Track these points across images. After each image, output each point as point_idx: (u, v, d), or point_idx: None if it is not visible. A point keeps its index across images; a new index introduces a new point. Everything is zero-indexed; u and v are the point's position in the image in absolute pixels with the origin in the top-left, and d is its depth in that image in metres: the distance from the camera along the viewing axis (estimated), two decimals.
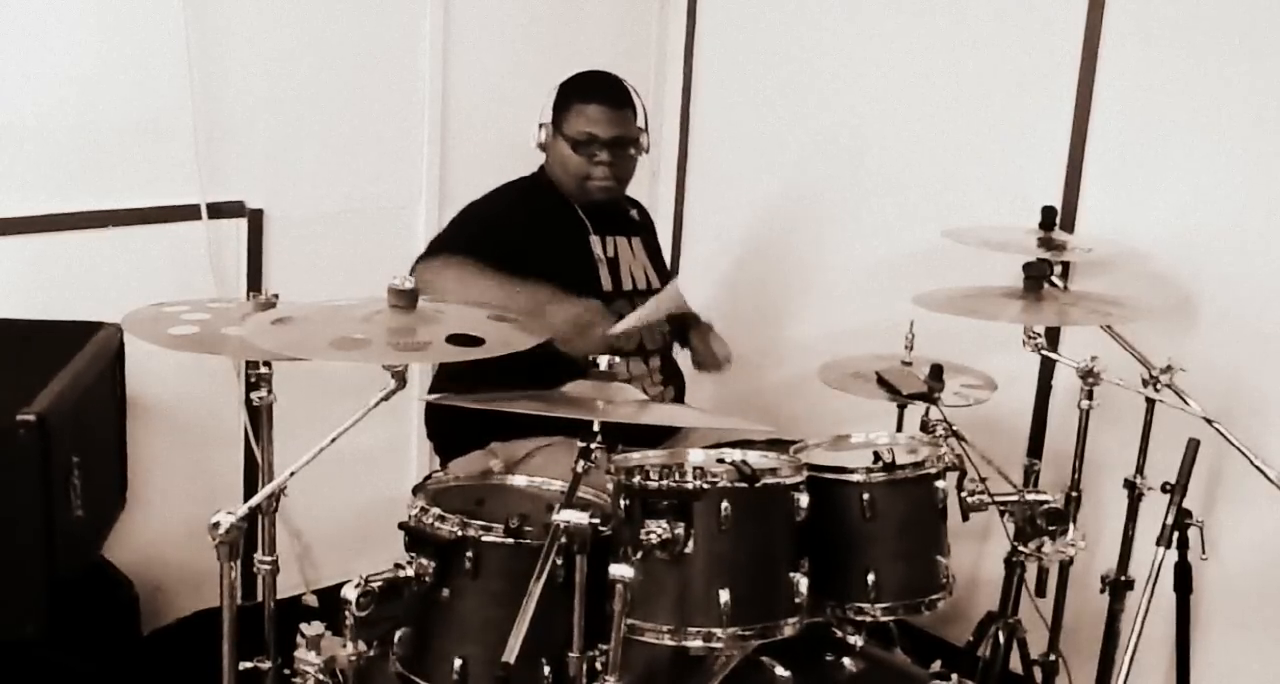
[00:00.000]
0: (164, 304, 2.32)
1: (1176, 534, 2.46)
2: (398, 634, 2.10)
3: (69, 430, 2.29)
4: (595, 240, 2.85)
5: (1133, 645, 2.37)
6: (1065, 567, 2.76)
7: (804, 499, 2.10)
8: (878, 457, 2.26)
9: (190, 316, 2.27)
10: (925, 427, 2.47)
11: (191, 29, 2.91)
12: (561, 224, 2.83)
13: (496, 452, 2.70)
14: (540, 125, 2.82)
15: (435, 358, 2.05)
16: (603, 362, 2.10)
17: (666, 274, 3.07)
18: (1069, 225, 2.93)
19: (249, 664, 2.25)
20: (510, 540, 2.04)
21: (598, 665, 1.96)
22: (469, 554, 2.04)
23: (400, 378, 1.95)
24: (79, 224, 2.87)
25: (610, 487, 2.09)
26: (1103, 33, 2.87)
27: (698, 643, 2.03)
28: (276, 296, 2.30)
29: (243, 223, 3.11)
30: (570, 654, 1.93)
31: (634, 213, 3.00)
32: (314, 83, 3.16)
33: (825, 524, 2.17)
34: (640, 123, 2.83)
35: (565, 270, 2.74)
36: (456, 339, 1.98)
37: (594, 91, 2.80)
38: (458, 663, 2.04)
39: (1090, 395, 2.60)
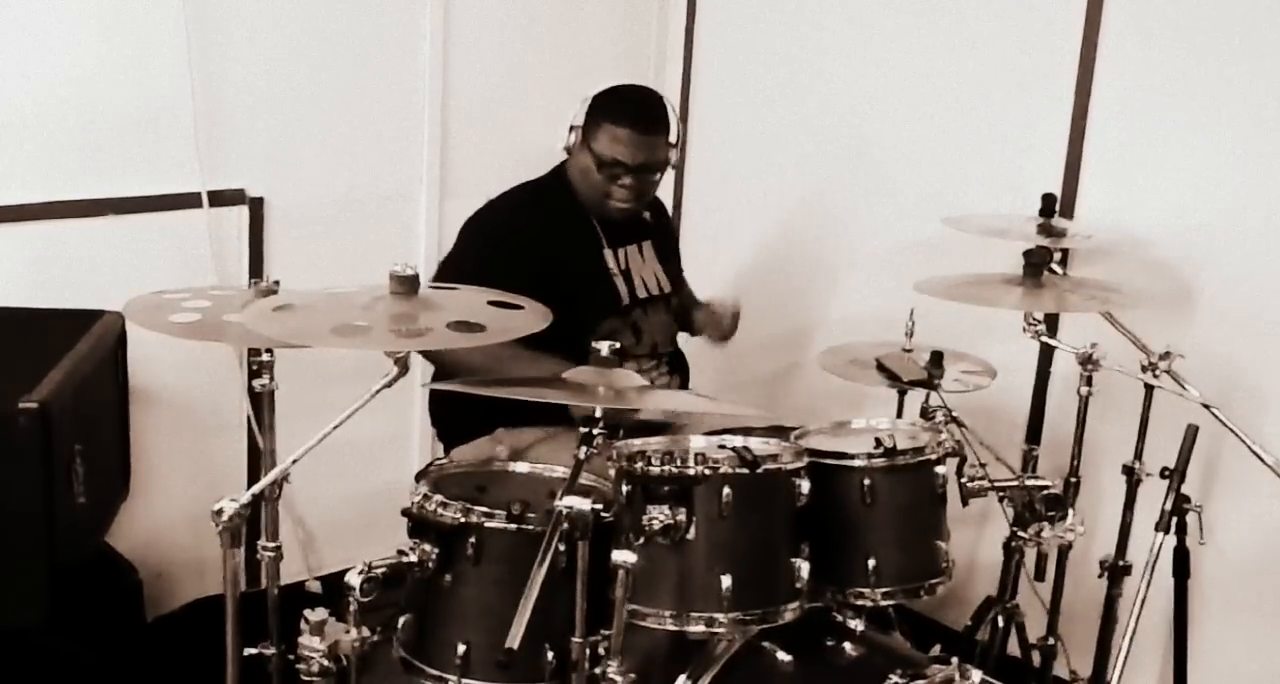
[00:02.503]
0: (165, 292, 2.33)
1: (1175, 519, 2.48)
2: (401, 620, 2.11)
3: (71, 418, 2.29)
4: (609, 253, 2.84)
5: (1131, 629, 2.39)
6: (1064, 552, 2.76)
7: (805, 485, 2.11)
8: (878, 442, 2.26)
9: (191, 304, 2.27)
10: (925, 413, 2.48)
11: (192, 17, 2.91)
12: (575, 239, 2.81)
13: (502, 438, 2.71)
14: (571, 128, 2.76)
15: (437, 344, 2.06)
16: (604, 347, 2.10)
17: (678, 273, 3.06)
18: (1069, 213, 2.93)
19: (253, 650, 2.26)
20: (512, 526, 2.05)
21: (600, 650, 1.97)
22: (471, 540, 2.05)
23: (403, 364, 1.95)
24: (80, 212, 2.87)
25: (612, 473, 2.09)
26: (1102, 23, 2.87)
27: (699, 628, 2.04)
28: (278, 283, 2.30)
29: (244, 211, 3.11)
30: (573, 639, 1.94)
31: (646, 215, 2.96)
32: (315, 71, 3.16)
33: (826, 510, 2.18)
34: (672, 139, 2.77)
35: (582, 288, 2.74)
36: (458, 326, 1.99)
37: (628, 115, 2.72)
38: (460, 648, 2.05)
39: (1089, 382, 2.61)
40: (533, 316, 2.10)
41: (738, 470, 2.04)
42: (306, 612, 2.00)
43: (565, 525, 1.88)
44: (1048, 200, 2.73)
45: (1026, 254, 2.55)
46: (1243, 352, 2.72)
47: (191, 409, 3.11)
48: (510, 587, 1.90)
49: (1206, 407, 2.45)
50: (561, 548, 1.91)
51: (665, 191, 3.76)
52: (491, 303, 2.11)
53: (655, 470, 2.03)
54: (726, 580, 2.02)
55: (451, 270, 2.72)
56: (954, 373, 2.63)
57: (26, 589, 2.24)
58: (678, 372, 2.93)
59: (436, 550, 2.06)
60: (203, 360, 3.01)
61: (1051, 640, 2.82)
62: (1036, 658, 2.82)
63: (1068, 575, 2.81)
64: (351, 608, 1.97)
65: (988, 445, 2.40)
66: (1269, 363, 2.70)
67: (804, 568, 2.10)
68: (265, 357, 2.29)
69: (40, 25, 2.76)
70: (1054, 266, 2.61)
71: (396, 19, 3.28)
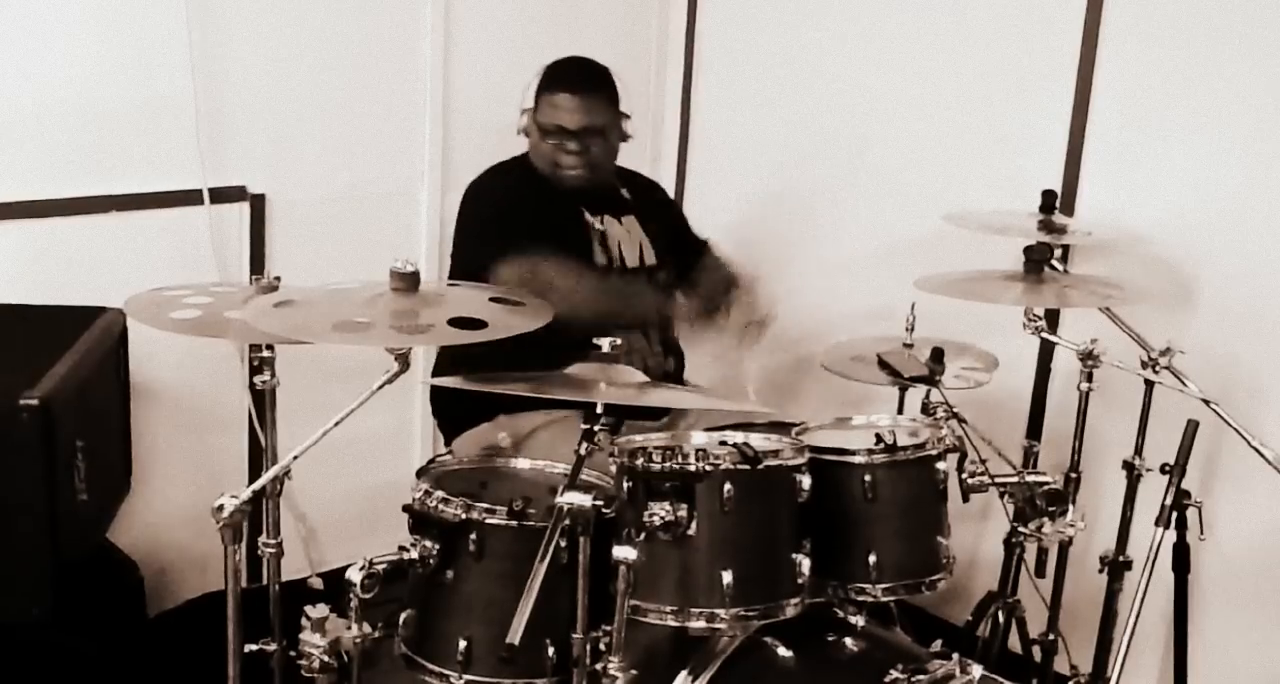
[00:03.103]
0: (165, 288, 2.33)
1: (1175, 514, 2.49)
2: (402, 616, 2.11)
3: (73, 414, 2.30)
4: (587, 213, 2.87)
5: (1131, 624, 2.39)
6: (1064, 547, 2.77)
7: (806, 480, 2.11)
8: (879, 438, 2.27)
9: (192, 301, 2.27)
10: (926, 409, 2.48)
11: (193, 13, 2.91)
12: (552, 200, 2.84)
13: (504, 425, 2.72)
14: (523, 111, 2.84)
15: (438, 341, 2.06)
16: (604, 343, 2.10)
17: (672, 248, 3.05)
18: (1069, 209, 2.93)
19: (254, 646, 2.26)
20: (513, 523, 2.05)
21: (601, 646, 1.97)
22: (472, 536, 2.05)
23: (404, 361, 1.95)
24: (81, 209, 2.87)
25: (613, 469, 2.09)
26: (1103, 17, 2.87)
27: (700, 624, 2.04)
28: (279, 279, 2.30)
29: (245, 207, 3.11)
30: (574, 635, 1.95)
31: (624, 191, 2.99)
32: (316, 67, 3.16)
33: (827, 505, 2.18)
34: (620, 105, 2.84)
35: (562, 240, 2.75)
36: (458, 322, 1.99)
37: (563, 80, 2.80)
38: (462, 644, 2.05)
39: (1090, 377, 2.61)
40: (533, 313, 2.10)
41: (739, 466, 2.04)
42: (308, 608, 2.00)
43: (566, 521, 1.88)
44: (1048, 197, 2.73)
45: (1027, 250, 2.56)
46: (1243, 348, 2.72)
47: (193, 406, 3.11)
48: (512, 583, 1.91)
49: (1207, 402, 2.45)
50: (563, 544, 1.92)
51: (667, 177, 3.78)
52: (493, 299, 2.12)
53: (656, 466, 2.03)
54: (728, 576, 2.02)
55: (453, 254, 2.81)
56: (955, 369, 2.64)
57: (30, 585, 2.25)
58: (671, 353, 2.93)
59: (438, 547, 2.06)
60: (204, 357, 3.01)
61: (1052, 636, 2.83)
62: (1037, 653, 2.83)
63: (1068, 571, 2.82)
64: (353, 604, 1.98)
65: (989, 441, 2.40)
66: (1269, 359, 2.70)
67: (805, 564, 2.10)
68: (266, 353, 2.29)
69: (42, 23, 2.76)
70: (1054, 263, 2.61)
71: (398, 16, 3.28)
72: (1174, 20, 2.77)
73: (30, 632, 2.35)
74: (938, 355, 2.57)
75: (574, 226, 2.84)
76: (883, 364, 2.62)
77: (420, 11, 3.31)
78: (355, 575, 1.97)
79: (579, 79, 2.81)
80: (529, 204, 2.78)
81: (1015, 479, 2.43)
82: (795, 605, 2.09)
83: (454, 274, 2.87)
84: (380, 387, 1.95)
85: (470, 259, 2.74)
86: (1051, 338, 2.67)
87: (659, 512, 1.99)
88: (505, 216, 2.74)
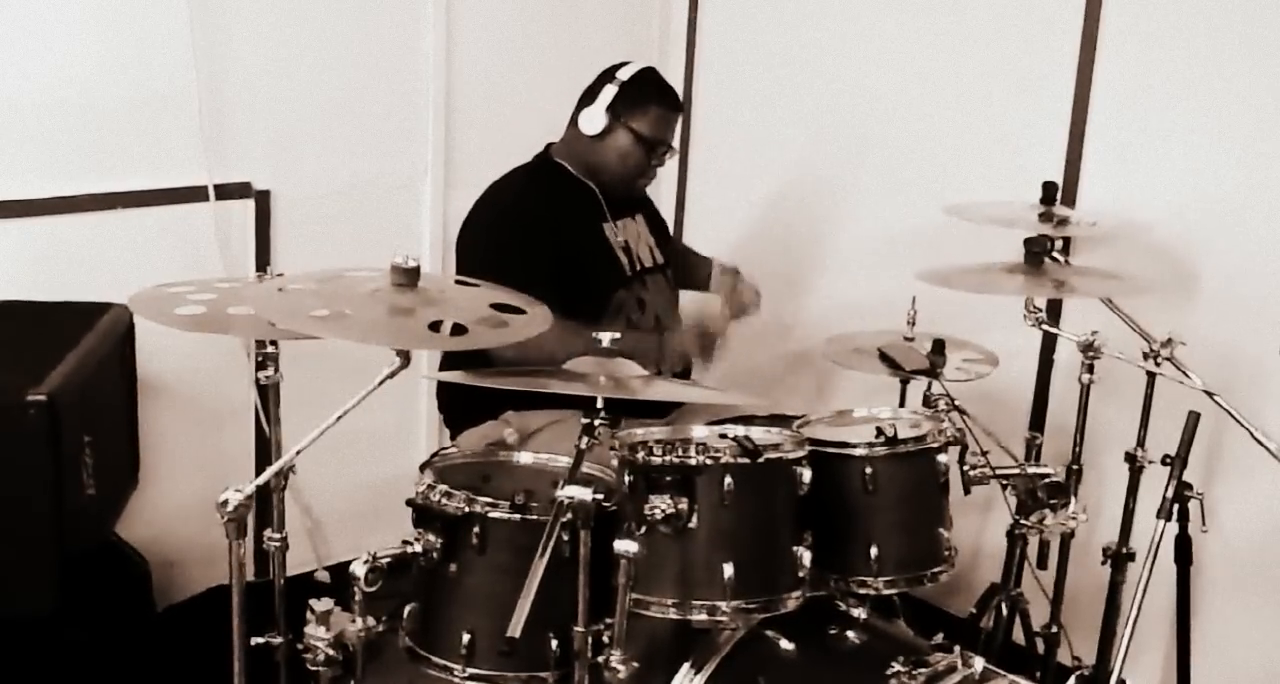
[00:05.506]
0: (170, 284, 2.33)
1: (1177, 506, 2.48)
2: (406, 609, 2.12)
3: (79, 410, 2.31)
4: (608, 227, 2.87)
5: (1133, 616, 2.39)
6: (1066, 539, 2.77)
7: (806, 473, 2.12)
8: (880, 431, 2.27)
9: (196, 297, 2.28)
10: (927, 401, 2.48)
11: (196, 10, 2.92)
12: (580, 213, 2.84)
13: (510, 421, 2.72)
14: (606, 109, 2.78)
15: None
16: (605, 338, 2.11)
17: (669, 243, 3.11)
18: (1070, 201, 2.93)
19: (260, 640, 2.28)
20: (516, 516, 2.05)
21: (603, 639, 1.98)
22: (475, 530, 2.06)
23: (405, 357, 1.96)
24: (86, 206, 2.88)
25: (614, 462, 2.10)
26: (1103, 11, 2.87)
27: (702, 616, 2.06)
28: (282, 276, 2.31)
29: (250, 204, 3.13)
30: (576, 628, 1.95)
31: None
32: (320, 63, 3.17)
33: (828, 498, 2.19)
34: None
35: (592, 262, 2.79)
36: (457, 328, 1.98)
37: (668, 97, 2.87)
38: (465, 637, 2.06)
39: (1091, 369, 2.61)
40: (533, 319, 2.08)
41: (739, 460, 2.04)
42: (312, 601, 2.02)
43: (567, 515, 1.89)
44: (1048, 189, 2.73)
45: (1027, 242, 2.55)
46: (1244, 338, 2.72)
47: (200, 401, 3.13)
48: (514, 576, 1.90)
49: (1209, 393, 2.45)
50: (564, 537, 1.93)
51: (669, 183, 3.79)
52: (494, 305, 2.11)
53: (657, 460, 2.04)
54: (729, 569, 2.03)
55: (472, 262, 2.73)
56: (956, 361, 2.64)
57: (35, 579, 2.26)
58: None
59: (441, 540, 2.07)
60: (211, 352, 3.02)
61: (1055, 628, 2.83)
62: (1040, 645, 2.83)
63: (1071, 563, 2.82)
64: (357, 597, 1.99)
65: (990, 433, 2.41)
66: (1270, 350, 2.69)
67: (806, 556, 2.11)
68: (271, 349, 2.30)
69: (45, 20, 2.77)
70: (1055, 255, 2.61)
71: (400, 13, 3.29)
72: (1174, 12, 2.77)
73: (37, 626, 2.36)
74: (939, 347, 2.57)
75: (599, 244, 2.84)
76: (884, 356, 2.62)
77: (422, 8, 3.32)
78: (359, 569, 1.97)
79: (676, 98, 2.90)
80: (556, 228, 2.75)
81: (1017, 471, 2.43)
82: (796, 598, 2.10)
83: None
84: (380, 383, 1.95)
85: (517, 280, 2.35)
86: (1052, 330, 2.67)
87: (660, 505, 2.00)
88: (538, 248, 2.69)
